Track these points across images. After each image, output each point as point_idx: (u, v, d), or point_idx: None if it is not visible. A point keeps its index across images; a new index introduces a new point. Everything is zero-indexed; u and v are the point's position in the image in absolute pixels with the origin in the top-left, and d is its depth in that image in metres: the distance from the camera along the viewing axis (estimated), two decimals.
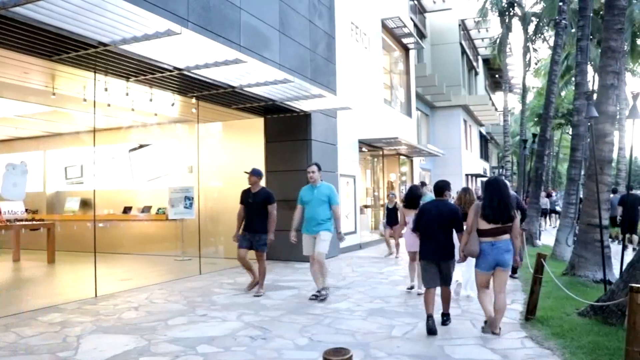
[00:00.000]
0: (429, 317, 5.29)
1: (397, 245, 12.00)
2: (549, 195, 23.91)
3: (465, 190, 7.67)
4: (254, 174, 7.56)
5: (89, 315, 6.13)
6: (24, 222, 11.16)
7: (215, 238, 11.50)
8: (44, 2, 4.86)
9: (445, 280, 5.49)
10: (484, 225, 5.09)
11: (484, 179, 9.19)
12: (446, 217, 5.48)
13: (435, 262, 5.43)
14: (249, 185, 7.55)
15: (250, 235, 7.36)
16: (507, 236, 5.08)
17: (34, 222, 11.43)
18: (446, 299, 5.62)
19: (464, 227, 5.42)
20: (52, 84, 8.28)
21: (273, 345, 4.91)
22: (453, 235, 5.55)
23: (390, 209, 12.27)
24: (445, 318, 5.63)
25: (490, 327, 5.18)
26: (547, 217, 23.53)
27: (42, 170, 14.06)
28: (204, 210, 11.18)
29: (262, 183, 11.65)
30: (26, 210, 11.71)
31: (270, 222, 7.34)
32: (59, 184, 13.89)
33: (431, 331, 5.19)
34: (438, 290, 5.53)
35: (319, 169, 7.23)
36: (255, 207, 7.38)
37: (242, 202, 7.57)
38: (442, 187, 5.74)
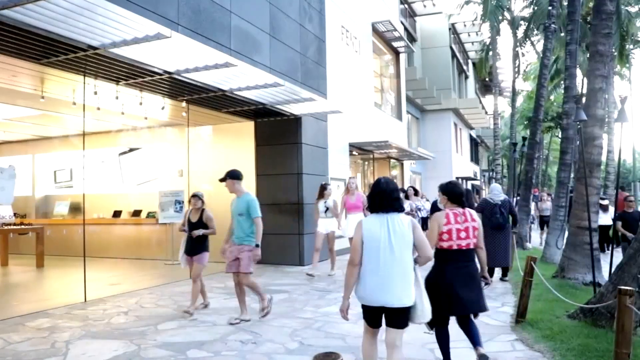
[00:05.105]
0: None
1: (203, 292, 6.82)
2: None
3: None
4: None
5: (77, 320, 6.08)
6: (12, 227, 11.07)
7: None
8: (33, 5, 4.83)
9: None
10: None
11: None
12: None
13: None
14: None
15: None
16: None
17: (23, 227, 11.33)
18: None
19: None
20: (41, 87, 8.23)
21: (263, 349, 4.90)
22: None
23: (193, 225, 6.44)
24: None
25: None
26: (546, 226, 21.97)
27: (31, 174, 13.96)
28: None
29: (253, 187, 11.59)
30: (15, 214, 11.62)
31: None
32: (48, 187, 13.79)
33: None
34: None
35: None
36: None
37: None
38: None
